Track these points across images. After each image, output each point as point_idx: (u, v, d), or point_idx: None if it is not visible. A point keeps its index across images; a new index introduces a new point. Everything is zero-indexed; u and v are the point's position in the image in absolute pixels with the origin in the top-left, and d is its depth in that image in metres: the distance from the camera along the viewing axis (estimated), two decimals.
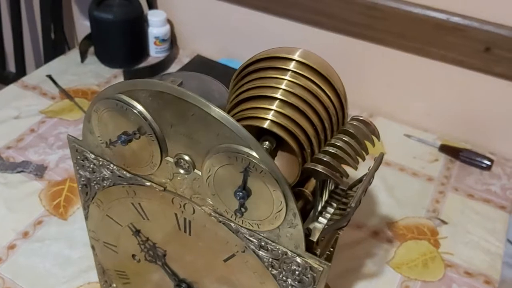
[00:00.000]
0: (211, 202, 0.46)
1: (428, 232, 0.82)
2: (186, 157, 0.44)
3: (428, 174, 0.92)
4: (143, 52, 1.14)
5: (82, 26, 1.31)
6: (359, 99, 1.04)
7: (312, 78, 0.45)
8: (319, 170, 0.40)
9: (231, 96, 0.48)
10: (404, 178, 0.91)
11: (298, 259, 0.44)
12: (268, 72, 0.46)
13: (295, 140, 0.44)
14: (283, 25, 1.03)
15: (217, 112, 0.40)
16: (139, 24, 1.09)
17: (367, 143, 0.46)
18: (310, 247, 0.45)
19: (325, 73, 0.45)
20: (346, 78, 0.99)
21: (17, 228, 0.77)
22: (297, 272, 0.44)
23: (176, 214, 0.49)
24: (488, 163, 0.93)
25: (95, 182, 0.53)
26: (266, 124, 0.44)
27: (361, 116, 0.46)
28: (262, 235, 0.45)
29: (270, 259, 0.45)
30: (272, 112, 0.44)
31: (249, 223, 0.44)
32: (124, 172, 0.49)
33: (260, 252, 0.46)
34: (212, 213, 0.46)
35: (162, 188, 0.48)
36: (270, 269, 0.46)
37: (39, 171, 0.86)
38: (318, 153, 0.43)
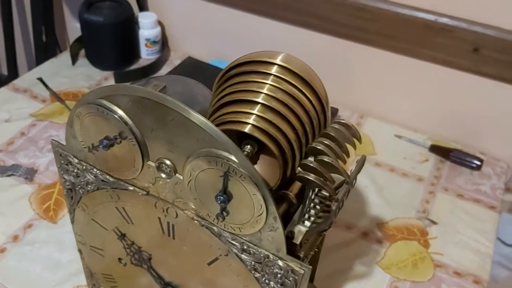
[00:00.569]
0: (193, 206, 0.46)
1: (418, 233, 0.82)
2: (167, 162, 0.44)
3: (418, 174, 0.92)
4: (134, 54, 1.14)
5: (74, 29, 1.31)
6: (350, 100, 1.04)
7: (294, 83, 0.45)
8: (311, 179, 0.40)
9: (213, 99, 0.48)
10: (394, 179, 0.91)
11: (280, 262, 0.44)
12: (250, 76, 0.46)
13: (276, 144, 0.44)
14: (274, 27, 1.03)
15: (196, 117, 0.40)
16: (130, 26, 1.10)
17: (349, 146, 0.46)
18: (293, 249, 0.45)
19: (307, 77, 0.46)
20: (337, 79, 1.01)
21: (7, 232, 0.77)
22: (279, 275, 0.45)
23: (159, 218, 0.49)
24: (478, 163, 0.93)
25: (79, 186, 0.53)
26: (247, 129, 0.44)
27: (343, 119, 0.46)
28: (244, 238, 0.45)
29: (253, 262, 0.46)
30: (254, 116, 0.44)
31: (231, 226, 0.44)
32: (107, 177, 0.49)
33: (243, 255, 0.46)
34: (195, 217, 0.46)
35: (145, 193, 0.48)
36: (253, 272, 0.46)
37: (29, 174, 0.86)
38: (305, 159, 0.43)
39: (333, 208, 0.43)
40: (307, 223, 0.46)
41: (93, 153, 0.48)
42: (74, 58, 1.12)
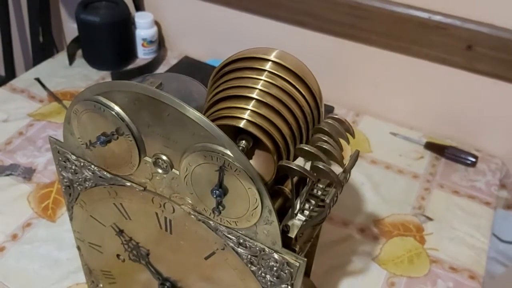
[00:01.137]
0: (190, 201, 0.46)
1: (414, 229, 0.83)
2: (164, 157, 0.45)
3: (414, 171, 0.93)
4: (131, 54, 1.15)
5: (70, 29, 1.31)
6: (345, 99, 1.05)
7: (288, 79, 0.46)
8: (292, 167, 0.41)
9: (209, 95, 0.49)
10: (390, 176, 0.92)
11: (276, 255, 0.44)
12: (245, 72, 0.47)
13: (271, 139, 0.45)
14: (270, 26, 1.04)
15: (192, 112, 0.40)
16: (126, 26, 1.10)
17: (342, 141, 0.47)
18: (289, 243, 0.46)
19: (301, 74, 0.46)
20: (332, 78, 1.01)
21: (6, 231, 0.78)
22: (275, 268, 0.45)
23: (156, 213, 0.50)
24: (473, 159, 0.94)
25: (77, 183, 0.53)
26: (242, 124, 0.44)
27: (336, 115, 0.47)
28: (240, 232, 0.45)
29: (249, 255, 0.46)
30: (248, 111, 0.45)
31: (227, 220, 0.45)
32: (105, 173, 0.50)
33: (239, 249, 0.46)
34: (191, 212, 0.47)
35: (142, 188, 0.48)
36: (249, 265, 0.47)
37: (28, 174, 0.86)
38: (293, 150, 0.44)
39: (327, 201, 0.44)
40: (300, 216, 0.47)
41: (91, 149, 0.49)
42: (71, 58, 1.13)
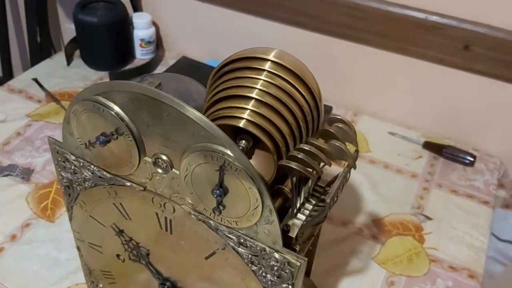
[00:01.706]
0: (190, 201, 0.46)
1: (413, 228, 0.83)
2: (164, 157, 0.45)
3: (412, 170, 0.93)
4: (129, 54, 1.14)
5: (68, 29, 1.31)
6: (344, 99, 1.05)
7: (287, 78, 0.46)
8: (292, 166, 0.41)
9: (208, 95, 0.49)
10: (388, 175, 0.92)
11: (276, 255, 0.44)
12: (244, 72, 0.47)
13: (271, 139, 0.45)
14: (267, 27, 1.04)
15: (192, 112, 0.40)
16: (124, 27, 1.10)
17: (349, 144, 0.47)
18: (289, 243, 0.46)
19: (300, 73, 0.46)
20: (330, 78, 1.01)
21: (4, 231, 0.77)
22: (275, 268, 0.45)
23: (157, 214, 0.50)
24: (471, 159, 0.94)
25: (77, 183, 0.53)
26: (242, 123, 0.44)
27: (339, 116, 0.47)
28: (240, 232, 0.45)
29: (250, 255, 0.46)
30: (248, 111, 0.45)
31: (227, 220, 0.45)
32: (105, 173, 0.50)
33: (240, 249, 0.46)
34: (192, 212, 0.47)
35: (142, 188, 0.48)
36: (250, 265, 0.47)
37: (26, 174, 0.86)
38: (293, 150, 0.44)
39: (327, 200, 0.44)
40: (301, 216, 0.47)
41: (90, 149, 0.48)
42: (69, 59, 1.13)
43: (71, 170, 0.52)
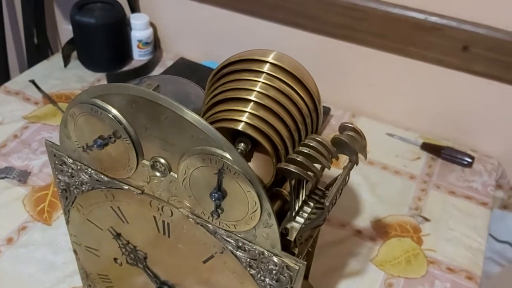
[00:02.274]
0: (188, 204, 0.46)
1: (411, 230, 0.83)
2: (162, 160, 0.44)
3: (410, 172, 0.93)
4: (127, 55, 1.14)
5: (65, 31, 1.31)
6: (342, 100, 1.05)
7: (286, 80, 0.46)
8: (291, 169, 0.41)
9: (206, 98, 0.48)
10: (386, 177, 0.92)
11: (275, 259, 0.44)
12: (243, 74, 0.47)
13: (269, 142, 0.44)
14: (265, 27, 1.04)
15: (190, 115, 0.40)
16: (122, 28, 1.10)
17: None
18: (288, 246, 0.45)
19: (299, 75, 0.46)
20: (329, 79, 1.01)
21: (1, 234, 0.77)
22: (274, 272, 0.45)
23: (154, 217, 0.49)
24: (469, 160, 0.94)
25: (74, 186, 0.53)
26: (240, 126, 0.44)
27: (351, 124, 0.47)
28: (239, 235, 0.45)
29: (248, 259, 0.46)
30: (247, 114, 0.44)
31: (225, 224, 0.45)
32: (102, 176, 0.49)
33: (238, 252, 0.46)
34: (190, 215, 0.46)
35: (139, 191, 0.48)
36: (248, 269, 0.47)
37: (23, 176, 0.85)
38: (292, 153, 0.44)
39: (326, 203, 0.43)
40: (299, 219, 0.47)
41: (88, 152, 0.48)
42: (66, 60, 1.12)
43: (68, 173, 0.52)
